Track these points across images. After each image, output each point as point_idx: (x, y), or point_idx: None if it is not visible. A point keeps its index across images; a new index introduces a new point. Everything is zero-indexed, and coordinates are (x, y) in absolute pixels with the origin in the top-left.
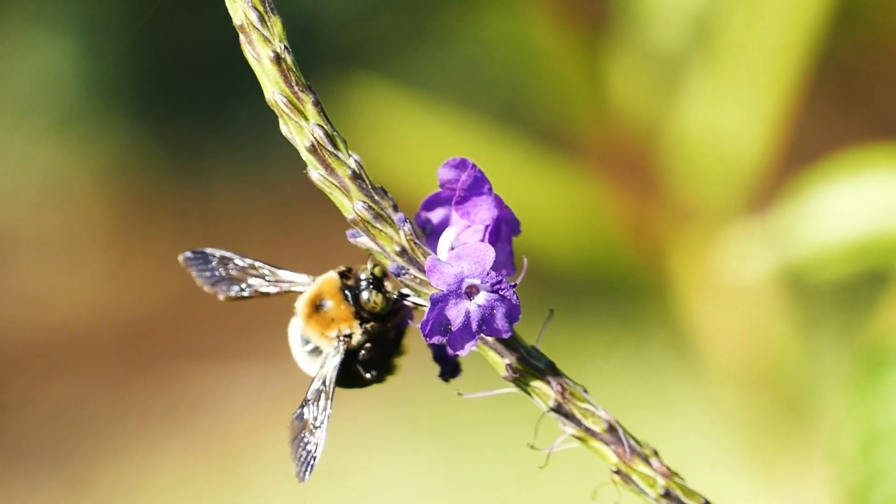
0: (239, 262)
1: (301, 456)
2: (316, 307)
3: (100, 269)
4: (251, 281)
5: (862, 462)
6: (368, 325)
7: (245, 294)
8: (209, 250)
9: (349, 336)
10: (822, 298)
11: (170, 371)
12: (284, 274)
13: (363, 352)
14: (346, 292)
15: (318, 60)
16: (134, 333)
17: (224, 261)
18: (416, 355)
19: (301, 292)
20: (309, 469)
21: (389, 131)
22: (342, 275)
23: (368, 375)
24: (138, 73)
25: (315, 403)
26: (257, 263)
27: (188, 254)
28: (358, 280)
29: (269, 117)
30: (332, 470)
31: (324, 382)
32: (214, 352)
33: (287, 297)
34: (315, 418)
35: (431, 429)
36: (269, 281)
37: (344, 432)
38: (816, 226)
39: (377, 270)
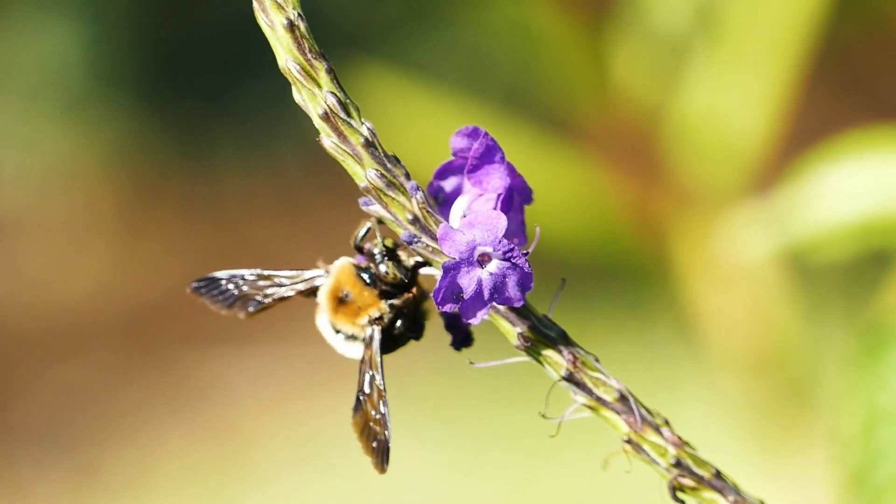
0: (247, 275)
1: (374, 447)
2: (339, 300)
3: (105, 255)
4: (267, 291)
5: (863, 442)
6: (395, 300)
7: (264, 305)
8: (215, 274)
9: (380, 318)
10: (825, 280)
11: (175, 356)
12: (295, 274)
13: (398, 324)
14: (364, 276)
15: (322, 44)
16: (139, 318)
17: (232, 279)
18: (422, 342)
19: (317, 286)
20: (386, 459)
21: (393, 116)
22: (357, 248)
23: (413, 337)
24: (144, 58)
25: (368, 392)
26: (265, 272)
27: (194, 284)
28: (372, 256)
29: (274, 102)
30: (338, 455)
31: (370, 369)
32: (220, 337)
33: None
34: (375, 408)
35: (437, 414)
36: (282, 286)
37: (349, 418)
38: (819, 206)
39: (388, 241)
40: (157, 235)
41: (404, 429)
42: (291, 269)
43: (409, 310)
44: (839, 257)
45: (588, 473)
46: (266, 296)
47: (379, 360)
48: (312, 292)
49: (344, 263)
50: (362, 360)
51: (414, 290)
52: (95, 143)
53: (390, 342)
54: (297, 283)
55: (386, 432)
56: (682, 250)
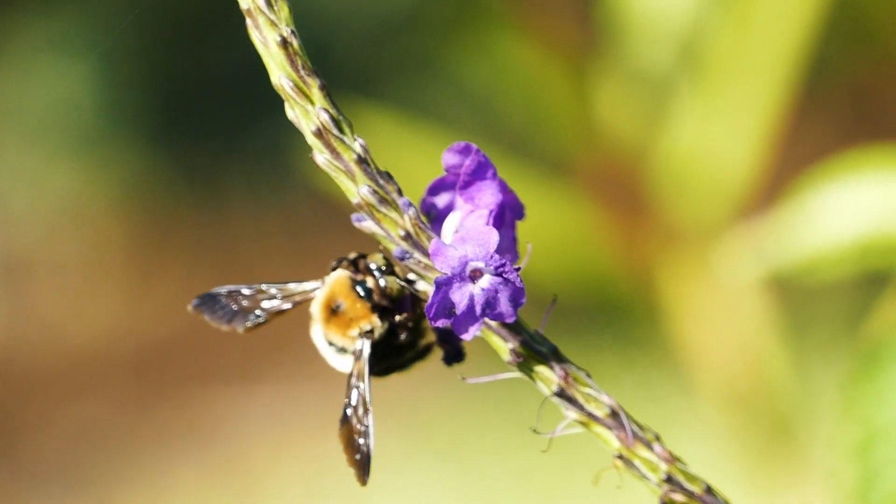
0: (246, 290)
1: (357, 459)
2: (332, 310)
3: (117, 294)
4: (264, 305)
5: (861, 460)
6: (387, 316)
7: (262, 320)
8: (214, 290)
9: (371, 332)
10: (817, 308)
11: (187, 394)
12: (293, 286)
13: (402, 337)
14: (358, 289)
15: (330, 86)
16: (151, 357)
17: (232, 295)
18: (432, 381)
19: (313, 297)
20: (367, 470)
21: (397, 163)
22: (352, 263)
23: (411, 355)
24: (154, 97)
25: (355, 405)
26: (264, 286)
27: (195, 301)
28: (369, 270)
29: (285, 143)
30: (348, 494)
31: (358, 382)
32: (231, 375)
33: (304, 315)
34: (359, 419)
35: (447, 453)
36: (280, 299)
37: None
38: (814, 227)
39: (380, 259)
40: (168, 275)
41: (415, 468)
42: (292, 282)
43: (408, 325)
44: (832, 280)
45: None
46: (263, 310)
47: (367, 373)
48: (309, 304)
49: (340, 275)
50: (351, 373)
51: (406, 313)
52: (106, 182)
53: (384, 365)
54: (293, 295)
55: (369, 445)
56: (670, 287)
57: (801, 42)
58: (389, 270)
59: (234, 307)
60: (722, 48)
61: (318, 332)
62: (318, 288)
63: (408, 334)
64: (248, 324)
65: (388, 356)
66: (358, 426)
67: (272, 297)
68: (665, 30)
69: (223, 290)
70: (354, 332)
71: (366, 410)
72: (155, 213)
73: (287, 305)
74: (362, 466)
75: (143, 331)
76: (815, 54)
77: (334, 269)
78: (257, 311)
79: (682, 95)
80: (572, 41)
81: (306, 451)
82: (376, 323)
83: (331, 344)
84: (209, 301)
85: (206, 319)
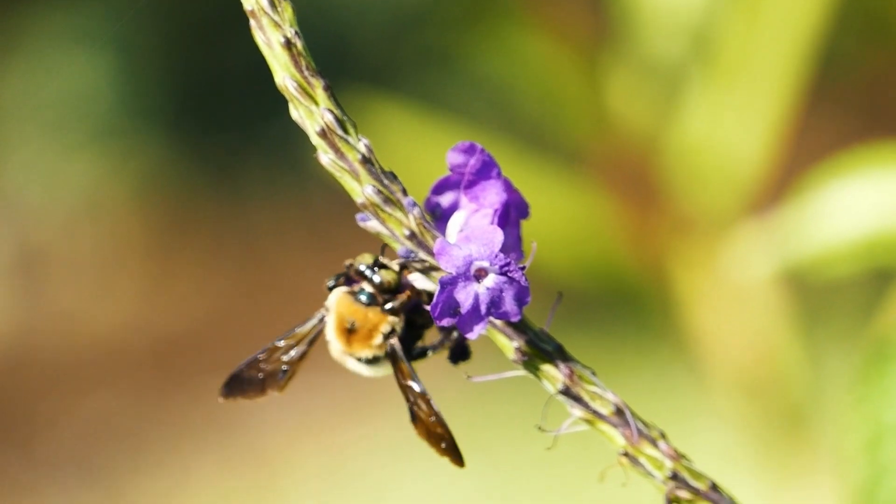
0: (261, 356)
1: (444, 448)
2: (348, 331)
3: (134, 286)
4: (284, 359)
5: (868, 457)
6: (394, 303)
7: (290, 373)
8: (232, 372)
9: (392, 331)
10: (828, 300)
11: (204, 386)
12: (301, 329)
13: (419, 322)
14: (361, 298)
15: (349, 79)
16: (169, 349)
17: (250, 366)
18: (450, 371)
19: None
20: (458, 454)
21: (414, 156)
22: (346, 279)
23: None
24: (173, 90)
25: (416, 402)
26: (274, 343)
27: (223, 391)
28: (362, 275)
29: (303, 135)
30: (368, 484)
31: (406, 380)
32: None
33: (313, 308)
34: (427, 413)
35: (467, 443)
36: (295, 347)
37: (379, 447)
38: (823, 223)
39: (367, 258)
40: (186, 267)
41: (435, 457)
42: (296, 327)
43: (414, 308)
44: (843, 275)
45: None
46: (286, 363)
47: (409, 368)
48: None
49: (339, 296)
50: (396, 375)
51: (411, 292)
52: (124, 174)
53: (415, 352)
54: (305, 337)
55: (447, 430)
56: (683, 277)
57: (813, 34)
58: (379, 264)
59: (260, 375)
60: (734, 39)
61: (344, 356)
62: (324, 316)
63: (426, 312)
64: (280, 381)
65: (416, 338)
66: (429, 419)
67: (288, 349)
68: (677, 21)
69: (239, 367)
70: (378, 339)
71: (426, 402)
72: (173, 205)
73: (304, 348)
74: (452, 451)
75: (160, 323)
76: (828, 47)
77: (331, 288)
78: (283, 368)
79: (694, 86)
80: (585, 33)
81: (324, 442)
82: (394, 320)
83: (360, 359)
84: (234, 383)
85: (241, 399)
